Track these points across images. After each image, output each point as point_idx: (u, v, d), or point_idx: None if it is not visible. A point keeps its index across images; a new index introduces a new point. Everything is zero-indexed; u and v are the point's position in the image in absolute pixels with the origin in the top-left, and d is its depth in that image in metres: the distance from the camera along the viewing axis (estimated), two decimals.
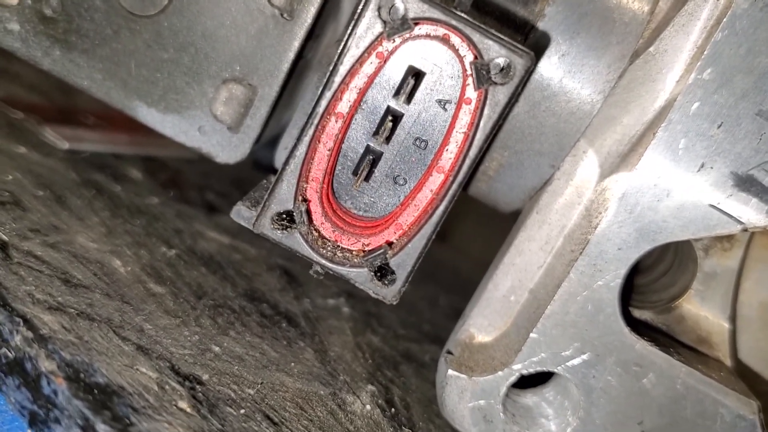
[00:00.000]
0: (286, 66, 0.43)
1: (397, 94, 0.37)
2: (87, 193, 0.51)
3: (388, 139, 0.37)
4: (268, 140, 0.49)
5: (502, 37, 0.35)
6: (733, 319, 0.45)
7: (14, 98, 0.62)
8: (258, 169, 0.59)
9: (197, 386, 0.36)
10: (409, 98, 0.37)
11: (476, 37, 0.35)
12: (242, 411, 0.36)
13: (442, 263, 0.87)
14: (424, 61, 0.36)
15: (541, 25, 0.42)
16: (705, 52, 0.36)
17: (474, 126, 0.36)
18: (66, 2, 0.44)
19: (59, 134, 0.58)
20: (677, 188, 0.37)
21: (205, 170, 0.73)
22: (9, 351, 0.33)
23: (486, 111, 0.36)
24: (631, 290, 0.46)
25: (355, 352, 0.50)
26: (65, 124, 0.61)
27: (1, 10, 0.44)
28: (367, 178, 0.38)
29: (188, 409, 0.34)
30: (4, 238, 0.40)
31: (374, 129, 0.37)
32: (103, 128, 0.65)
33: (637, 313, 0.47)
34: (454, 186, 0.37)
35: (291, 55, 0.43)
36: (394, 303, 0.38)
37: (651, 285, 0.47)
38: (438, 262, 0.84)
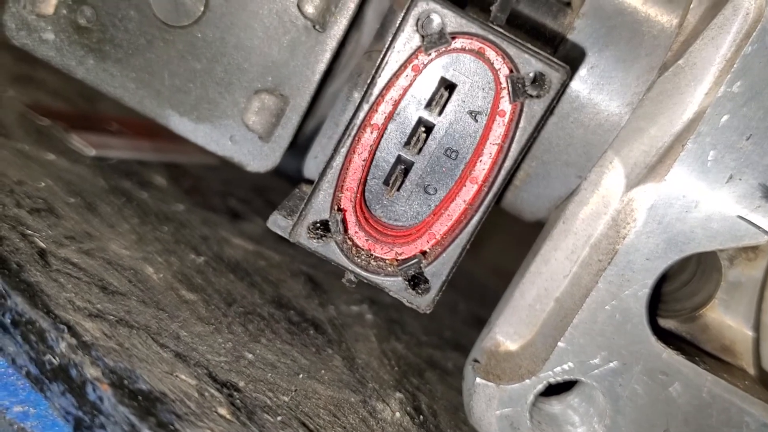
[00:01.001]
0: (317, 77, 0.44)
1: (429, 105, 0.37)
2: (116, 200, 0.52)
3: (419, 150, 0.38)
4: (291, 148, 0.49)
5: (538, 51, 0.35)
6: (757, 328, 0.45)
7: (40, 105, 0.62)
8: (279, 176, 0.59)
9: (234, 393, 0.37)
10: (441, 109, 0.37)
11: (513, 51, 0.35)
12: (279, 418, 0.37)
13: (460, 270, 0.87)
14: (456, 74, 0.37)
15: (571, 37, 0.42)
16: (734, 66, 0.37)
17: (509, 138, 0.36)
18: (101, 12, 0.44)
19: (86, 141, 0.58)
20: (705, 199, 0.38)
21: (227, 177, 0.73)
22: (54, 357, 0.33)
23: (522, 123, 0.36)
24: (657, 300, 0.46)
25: (381, 359, 0.51)
26: (90, 131, 0.61)
27: (36, 20, 0.45)
28: (398, 188, 0.39)
29: (228, 416, 0.34)
30: (42, 245, 0.40)
31: (406, 139, 0.38)
32: (127, 135, 0.66)
33: (662, 322, 0.47)
34: (489, 196, 0.37)
35: (322, 67, 0.44)
36: (428, 312, 0.39)
37: (674, 294, 0.48)
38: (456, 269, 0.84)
